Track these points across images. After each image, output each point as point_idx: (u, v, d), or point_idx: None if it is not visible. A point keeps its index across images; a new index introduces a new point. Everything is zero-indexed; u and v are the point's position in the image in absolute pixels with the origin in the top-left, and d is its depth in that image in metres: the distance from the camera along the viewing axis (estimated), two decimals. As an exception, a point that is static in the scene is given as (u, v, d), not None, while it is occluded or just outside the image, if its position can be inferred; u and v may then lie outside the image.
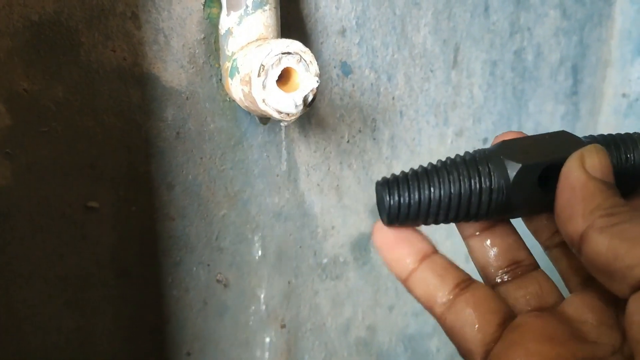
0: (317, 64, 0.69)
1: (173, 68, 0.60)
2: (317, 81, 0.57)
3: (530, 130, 1.03)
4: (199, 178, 0.65)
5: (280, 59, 0.55)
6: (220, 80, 0.64)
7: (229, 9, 0.59)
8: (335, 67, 0.74)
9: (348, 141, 0.78)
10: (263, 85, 0.55)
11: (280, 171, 0.73)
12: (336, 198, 0.80)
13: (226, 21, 0.59)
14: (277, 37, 0.61)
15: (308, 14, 0.69)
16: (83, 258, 0.60)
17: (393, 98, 0.82)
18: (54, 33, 0.53)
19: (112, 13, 0.55)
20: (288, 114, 0.57)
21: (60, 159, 0.56)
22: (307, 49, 0.56)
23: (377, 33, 0.76)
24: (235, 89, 0.58)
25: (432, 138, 0.89)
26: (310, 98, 0.58)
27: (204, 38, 0.62)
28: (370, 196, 0.84)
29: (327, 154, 0.77)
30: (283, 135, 0.71)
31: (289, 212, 0.75)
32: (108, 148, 0.58)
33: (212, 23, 0.62)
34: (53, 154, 0.55)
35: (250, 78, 0.55)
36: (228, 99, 0.65)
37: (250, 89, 0.55)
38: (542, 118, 1.05)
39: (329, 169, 0.77)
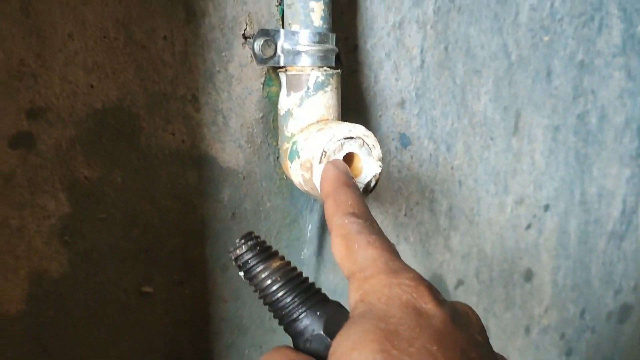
0: (376, 137, 0.67)
1: (231, 148, 0.59)
2: (380, 166, 0.55)
3: (594, 195, 0.99)
4: (254, 258, 0.63)
5: (342, 144, 0.53)
6: (278, 158, 0.63)
7: (289, 89, 0.57)
8: (393, 140, 0.71)
9: (405, 214, 0.76)
10: (324, 171, 0.53)
11: (336, 247, 0.70)
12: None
13: (286, 101, 0.58)
14: (338, 118, 0.59)
15: (367, 87, 0.67)
16: (136, 344, 0.58)
17: (452, 168, 0.79)
18: (116, 120, 0.52)
19: (173, 97, 0.55)
20: (349, 200, 0.54)
21: (117, 245, 0.55)
22: (370, 133, 0.54)
23: (437, 103, 0.74)
24: (295, 173, 0.57)
25: (491, 207, 0.85)
26: (373, 184, 0.55)
27: (262, 117, 0.61)
28: (427, 270, 0.80)
29: (384, 227, 0.74)
30: (340, 211, 0.69)
31: (344, 290, 0.72)
32: (164, 232, 0.57)
33: (271, 101, 0.61)
34: (110, 240, 0.54)
35: (311, 164, 0.53)
36: (285, 177, 0.63)
37: (312, 175, 0.53)
38: (607, 182, 1.00)
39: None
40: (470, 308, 0.39)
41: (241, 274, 0.42)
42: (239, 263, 0.42)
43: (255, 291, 0.42)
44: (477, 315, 0.38)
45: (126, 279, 0.56)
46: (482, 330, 0.37)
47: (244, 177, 0.61)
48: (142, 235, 0.56)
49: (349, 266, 0.38)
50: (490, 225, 0.86)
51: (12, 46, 0.47)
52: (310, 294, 0.41)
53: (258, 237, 0.43)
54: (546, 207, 0.93)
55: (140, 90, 0.53)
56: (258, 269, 0.41)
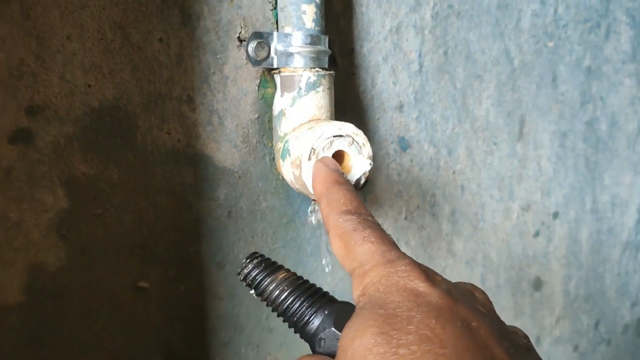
0: (374, 140, 0.68)
1: (226, 148, 0.61)
2: (370, 164, 0.55)
3: (606, 203, 0.97)
4: (250, 257, 0.64)
5: (331, 142, 0.54)
6: (273, 159, 0.64)
7: (282, 90, 0.59)
8: (392, 143, 0.72)
9: (405, 217, 0.76)
10: (313, 169, 0.54)
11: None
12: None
13: (280, 102, 0.59)
14: (331, 118, 0.60)
15: (364, 90, 0.68)
16: (131, 339, 0.59)
17: (454, 172, 0.79)
18: (112, 118, 0.54)
19: (168, 97, 0.56)
20: (339, 198, 0.55)
21: (113, 240, 0.56)
22: (359, 131, 0.55)
23: (437, 107, 0.75)
24: (287, 171, 0.58)
25: (496, 213, 0.85)
26: (362, 181, 0.56)
27: (257, 118, 0.62)
28: (429, 274, 0.80)
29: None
30: (337, 213, 0.70)
31: (342, 291, 0.72)
32: (159, 228, 0.59)
33: (267, 103, 0.62)
34: (106, 235, 0.56)
35: (300, 161, 0.54)
36: (281, 178, 0.65)
37: (301, 172, 0.54)
38: (620, 190, 0.98)
39: (385, 246, 0.75)
40: (474, 286, 0.40)
41: (252, 292, 0.45)
42: (248, 282, 0.45)
43: (268, 305, 0.43)
44: (482, 292, 0.39)
45: (122, 274, 0.58)
46: (488, 304, 0.38)
47: (239, 176, 0.62)
48: (138, 231, 0.58)
49: (349, 264, 0.39)
50: (496, 231, 0.86)
51: (13, 47, 0.49)
52: (317, 297, 0.42)
53: (262, 255, 0.46)
54: (555, 215, 0.92)
55: (136, 89, 0.55)
56: (266, 283, 0.43)
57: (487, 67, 0.77)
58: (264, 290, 0.43)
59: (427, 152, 0.76)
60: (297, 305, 0.41)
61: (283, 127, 0.59)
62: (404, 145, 0.73)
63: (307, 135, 0.55)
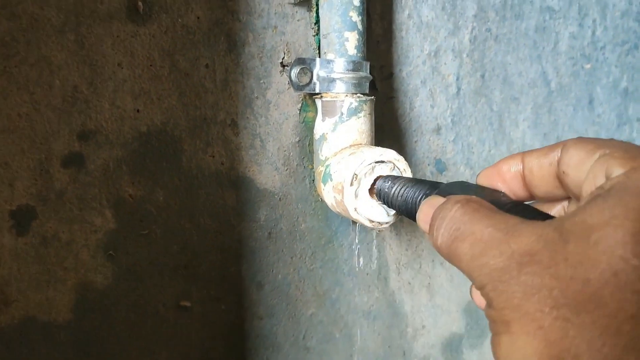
0: (411, 163, 0.68)
1: (267, 171, 0.62)
2: (410, 189, 0.56)
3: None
4: (288, 277, 0.66)
5: (373, 168, 0.55)
6: (313, 181, 0.65)
7: (324, 115, 0.60)
8: (429, 165, 0.72)
9: (441, 239, 0.76)
10: (355, 194, 0.55)
11: (371, 269, 0.71)
12: (427, 297, 0.77)
13: (321, 126, 0.60)
14: (371, 143, 0.61)
15: (402, 113, 0.69)
16: (173, 356, 0.61)
17: (489, 194, 0.79)
18: (159, 142, 0.56)
19: (213, 122, 0.58)
20: (380, 223, 0.56)
21: (157, 260, 0.58)
22: (400, 157, 0.56)
23: (474, 129, 0.75)
24: (328, 195, 0.59)
25: (531, 234, 0.84)
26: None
27: (298, 141, 0.63)
28: (463, 295, 0.80)
29: (419, 251, 0.75)
30: (374, 234, 0.71)
31: (378, 311, 0.73)
32: (202, 249, 0.60)
33: (308, 126, 0.63)
34: (151, 255, 0.57)
35: (342, 187, 0.55)
36: (320, 199, 0.65)
37: (343, 197, 0.55)
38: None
39: (420, 267, 0.75)
40: None
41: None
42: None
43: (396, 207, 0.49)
44: None
45: (165, 293, 0.59)
46: None
47: (280, 198, 0.63)
48: (181, 252, 0.59)
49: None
50: (530, 253, 0.85)
51: (68, 74, 0.51)
52: (429, 183, 0.45)
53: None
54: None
55: (182, 114, 0.56)
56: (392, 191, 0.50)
57: (524, 90, 0.78)
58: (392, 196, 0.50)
59: (464, 174, 0.76)
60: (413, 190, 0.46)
61: (324, 151, 0.60)
62: (441, 167, 0.73)
63: (349, 161, 0.56)
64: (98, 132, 0.53)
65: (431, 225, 0.33)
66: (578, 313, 0.23)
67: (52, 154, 0.52)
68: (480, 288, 0.27)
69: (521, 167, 0.35)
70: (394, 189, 0.50)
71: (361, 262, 0.70)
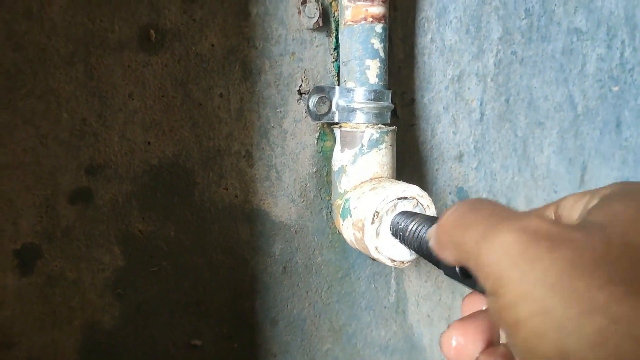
0: (432, 191, 0.65)
1: (283, 203, 0.59)
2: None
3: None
4: (303, 312, 0.63)
5: (395, 205, 0.52)
6: (330, 212, 0.62)
7: (343, 145, 0.57)
8: (450, 193, 0.69)
9: (462, 270, 0.73)
10: (377, 232, 0.52)
11: (389, 303, 0.68)
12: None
13: (340, 157, 0.57)
14: (393, 175, 0.58)
15: (424, 140, 0.66)
16: (183, 397, 0.58)
17: (512, 222, 0.76)
18: (171, 175, 0.53)
19: (227, 153, 0.55)
20: (402, 262, 0.53)
21: (168, 297, 0.55)
22: (424, 193, 0.53)
23: (497, 156, 0.72)
24: (347, 232, 0.56)
25: (555, 263, 0.81)
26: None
27: (315, 171, 0.60)
28: (484, 327, 0.77)
29: (439, 283, 0.72)
30: (393, 267, 0.67)
31: (396, 346, 0.70)
32: (214, 285, 0.57)
33: (325, 156, 0.60)
34: (161, 293, 0.55)
35: (363, 225, 0.52)
36: (337, 232, 0.63)
37: (363, 235, 0.52)
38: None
39: (440, 299, 0.72)
40: None
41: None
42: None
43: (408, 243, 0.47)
44: None
45: (176, 331, 0.56)
46: None
47: (295, 231, 0.60)
48: (193, 289, 0.56)
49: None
50: (553, 282, 0.82)
51: (76, 107, 0.48)
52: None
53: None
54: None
55: (195, 146, 0.54)
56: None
57: (549, 114, 0.74)
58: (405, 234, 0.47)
59: (486, 202, 0.73)
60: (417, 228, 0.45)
61: (343, 184, 0.57)
62: (463, 195, 0.70)
63: (370, 197, 0.53)
64: (107, 166, 0.51)
65: (436, 235, 0.31)
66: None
67: (58, 190, 0.49)
68: (487, 276, 0.25)
69: None
70: (409, 227, 0.47)
71: (378, 295, 0.67)
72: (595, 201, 0.28)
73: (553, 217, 0.32)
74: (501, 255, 0.24)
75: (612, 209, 0.25)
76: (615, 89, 0.79)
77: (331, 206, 0.61)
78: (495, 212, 0.27)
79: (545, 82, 0.73)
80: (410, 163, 0.66)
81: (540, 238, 0.24)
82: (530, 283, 0.23)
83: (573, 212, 0.30)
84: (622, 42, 0.78)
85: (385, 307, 0.68)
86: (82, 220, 0.50)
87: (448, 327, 0.34)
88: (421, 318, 0.71)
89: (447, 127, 0.67)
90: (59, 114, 0.48)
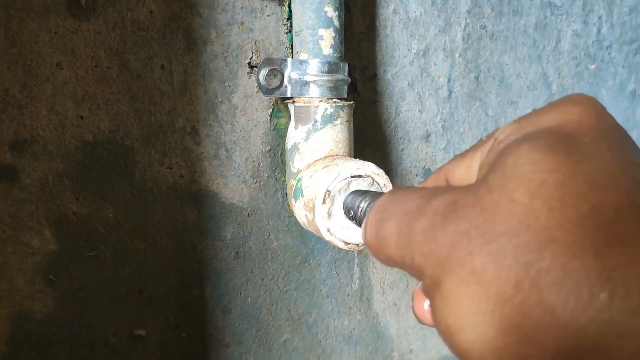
0: (397, 173, 0.62)
1: (234, 183, 0.55)
2: (391, 208, 0.49)
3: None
4: (259, 301, 0.59)
5: (349, 183, 0.48)
6: (286, 195, 0.58)
7: (297, 122, 0.53)
8: (417, 175, 0.66)
9: (430, 256, 0.70)
10: (328, 213, 0.48)
11: (352, 290, 0.65)
12: (415, 318, 0.70)
13: (293, 134, 0.54)
14: (349, 153, 0.55)
15: (387, 119, 0.62)
16: (126, 390, 0.54)
17: (484, 206, 0.72)
18: (108, 153, 0.49)
19: (170, 129, 0.51)
20: (357, 245, 0.49)
21: (107, 284, 0.51)
22: (380, 171, 0.49)
23: (467, 136, 0.68)
24: (299, 213, 0.52)
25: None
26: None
27: (269, 150, 0.56)
28: (455, 316, 0.74)
29: (406, 270, 0.68)
30: (356, 252, 0.64)
31: (360, 335, 0.67)
32: (159, 271, 0.53)
33: (280, 134, 0.57)
34: (99, 279, 0.51)
35: (314, 204, 0.48)
36: (294, 214, 0.59)
37: (314, 216, 0.48)
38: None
39: (407, 286, 0.69)
40: None
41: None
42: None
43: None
44: None
45: (117, 321, 0.53)
46: None
47: (248, 214, 0.57)
48: (135, 275, 0.53)
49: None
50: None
51: (-3, 76, 0.44)
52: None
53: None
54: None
55: (134, 121, 0.50)
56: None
57: (522, 93, 0.71)
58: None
59: (455, 184, 0.69)
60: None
61: (296, 163, 0.53)
62: (430, 177, 0.67)
63: (321, 175, 0.49)
64: (34, 141, 0.47)
65: (363, 227, 0.28)
66: (510, 237, 0.20)
67: (-21, 167, 0.45)
68: (411, 267, 0.24)
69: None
70: (361, 206, 0.42)
71: (340, 282, 0.64)
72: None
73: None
74: (421, 246, 0.23)
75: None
76: (592, 67, 0.76)
77: (286, 187, 0.58)
78: (415, 197, 0.25)
79: (517, 58, 0.69)
80: (372, 142, 0.62)
81: (456, 209, 0.22)
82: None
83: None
84: (599, 17, 0.74)
85: (348, 295, 0.65)
86: (7, 201, 0.46)
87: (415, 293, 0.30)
88: (387, 306, 0.68)
89: (412, 104, 0.63)
90: (-23, 84, 0.44)
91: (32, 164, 0.47)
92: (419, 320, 0.30)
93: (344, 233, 0.48)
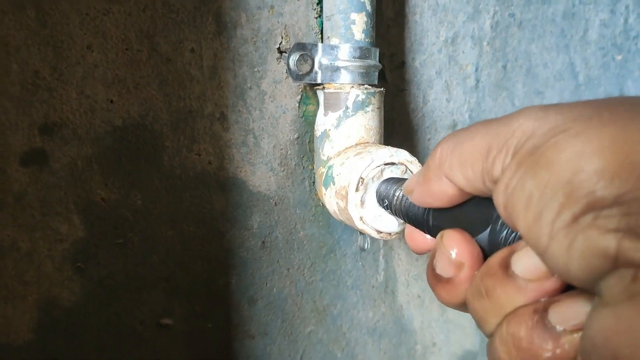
0: (424, 162, 0.61)
1: (262, 171, 0.54)
2: (425, 195, 0.48)
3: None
4: (284, 291, 0.58)
5: (382, 171, 0.47)
6: (314, 183, 0.57)
7: (326, 108, 0.52)
8: (443, 166, 0.65)
9: (455, 247, 0.69)
10: (361, 201, 0.47)
11: (377, 282, 0.64)
12: (439, 311, 0.69)
13: (323, 121, 0.53)
14: (380, 141, 0.54)
15: (415, 107, 0.62)
16: (152, 380, 0.53)
17: (509, 198, 0.71)
18: (137, 138, 0.48)
19: (199, 115, 0.50)
20: (390, 234, 0.48)
21: (135, 272, 0.51)
22: (414, 158, 0.48)
23: (493, 126, 0.67)
24: (330, 201, 0.51)
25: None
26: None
27: (297, 138, 0.56)
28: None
29: (431, 261, 0.67)
30: (381, 242, 0.63)
31: (384, 328, 0.66)
32: (186, 259, 0.53)
33: (308, 121, 0.56)
34: (127, 267, 0.50)
35: (346, 192, 0.47)
36: (321, 204, 0.58)
37: (347, 204, 0.48)
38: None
39: (432, 278, 0.68)
40: None
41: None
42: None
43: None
44: None
45: (143, 309, 0.52)
46: None
47: (275, 202, 0.56)
48: (163, 263, 0.52)
49: None
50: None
51: (27, 57, 0.44)
52: None
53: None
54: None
55: (164, 106, 0.49)
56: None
57: (549, 83, 0.70)
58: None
59: (481, 175, 0.68)
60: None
61: (326, 150, 0.52)
62: (456, 168, 0.66)
63: (354, 163, 0.48)
64: (64, 125, 0.46)
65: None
66: None
67: (9, 151, 0.44)
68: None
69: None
70: (396, 194, 0.42)
71: (366, 274, 0.63)
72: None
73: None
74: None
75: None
76: (619, 57, 0.75)
77: (314, 176, 0.57)
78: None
79: (545, 48, 0.68)
80: (400, 131, 0.61)
81: None
82: None
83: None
84: (627, 7, 0.73)
85: (373, 287, 0.64)
86: (36, 185, 0.46)
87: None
88: (411, 299, 0.67)
89: (439, 93, 0.62)
90: (8, 65, 0.43)
91: (62, 148, 0.46)
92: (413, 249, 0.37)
93: (377, 222, 0.48)
